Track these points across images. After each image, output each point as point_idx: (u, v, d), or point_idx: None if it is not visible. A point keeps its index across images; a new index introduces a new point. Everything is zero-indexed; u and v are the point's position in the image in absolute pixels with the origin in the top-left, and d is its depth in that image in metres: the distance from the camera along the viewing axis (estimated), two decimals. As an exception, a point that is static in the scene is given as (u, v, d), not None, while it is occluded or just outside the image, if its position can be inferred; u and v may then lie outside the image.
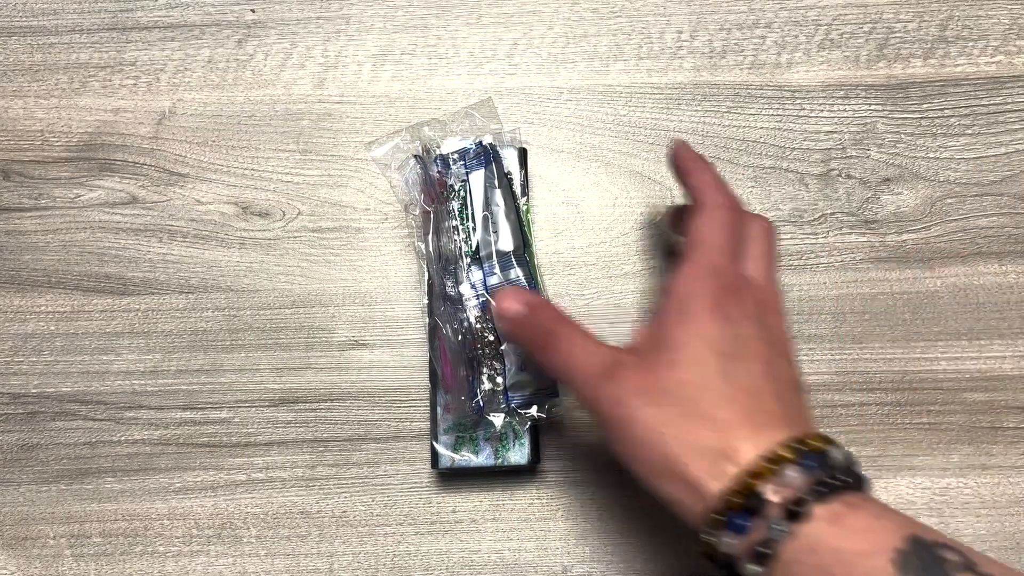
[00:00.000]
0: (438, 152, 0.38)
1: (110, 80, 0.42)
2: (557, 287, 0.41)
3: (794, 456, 0.26)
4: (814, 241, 0.41)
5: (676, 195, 0.42)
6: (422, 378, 0.40)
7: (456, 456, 0.37)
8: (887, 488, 0.40)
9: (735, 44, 0.43)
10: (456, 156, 0.38)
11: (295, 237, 0.41)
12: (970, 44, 0.43)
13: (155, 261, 0.41)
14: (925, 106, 0.42)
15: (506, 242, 0.36)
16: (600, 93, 0.42)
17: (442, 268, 0.36)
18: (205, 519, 0.40)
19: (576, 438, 0.40)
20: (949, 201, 0.42)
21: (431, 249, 0.36)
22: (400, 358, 0.40)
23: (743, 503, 0.26)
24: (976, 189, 0.42)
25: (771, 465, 0.26)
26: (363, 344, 0.41)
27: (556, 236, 0.41)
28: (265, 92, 0.42)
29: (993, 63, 0.43)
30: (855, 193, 0.42)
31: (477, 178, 0.37)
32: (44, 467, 0.40)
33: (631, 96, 0.42)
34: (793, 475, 0.25)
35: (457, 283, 0.36)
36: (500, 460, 0.37)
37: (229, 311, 0.41)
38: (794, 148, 0.42)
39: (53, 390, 0.40)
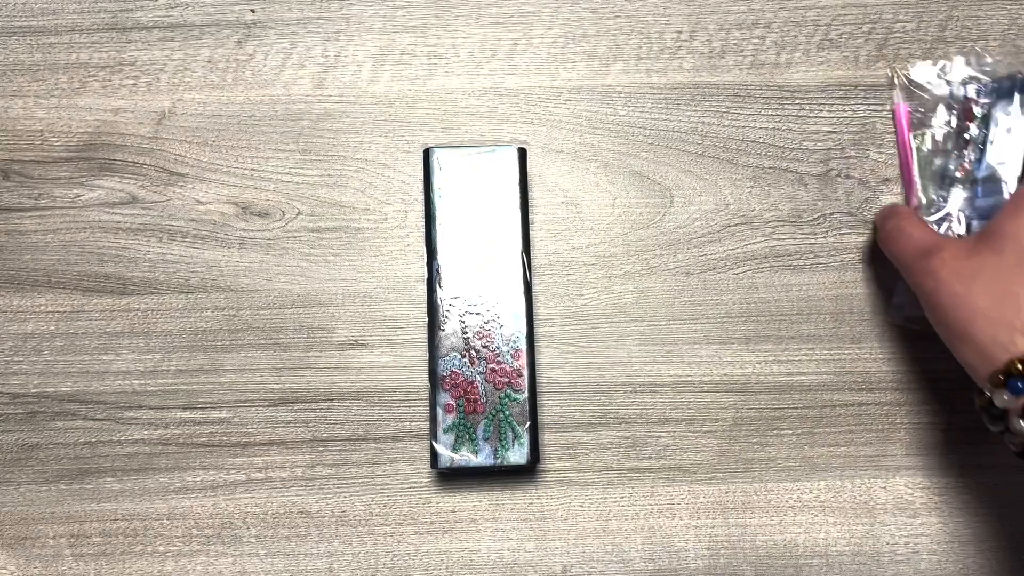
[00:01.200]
0: (975, 77, 0.41)
1: (110, 80, 0.42)
2: (556, 287, 0.41)
3: None
4: (814, 241, 0.41)
5: (677, 195, 0.42)
6: (422, 378, 0.40)
7: (455, 456, 0.37)
8: (887, 488, 0.40)
9: (735, 44, 0.43)
10: (989, 85, 0.41)
11: (295, 237, 0.41)
12: (970, 44, 0.43)
13: (155, 261, 0.41)
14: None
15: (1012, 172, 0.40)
16: (599, 93, 0.42)
17: (938, 177, 0.40)
18: (205, 519, 0.40)
19: (576, 438, 0.40)
20: (949, 201, 0.42)
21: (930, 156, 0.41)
22: (400, 358, 0.40)
23: (1022, 371, 0.30)
24: (976, 189, 0.42)
25: None
26: (363, 344, 0.41)
27: (555, 236, 0.41)
28: (265, 92, 0.42)
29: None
30: (855, 193, 0.42)
31: (1004, 107, 0.40)
32: (44, 467, 0.40)
33: (630, 96, 0.42)
34: None
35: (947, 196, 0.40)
36: (499, 460, 0.37)
37: (229, 311, 0.41)
38: (794, 148, 0.42)
39: (53, 390, 0.40)
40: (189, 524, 0.40)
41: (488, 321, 0.38)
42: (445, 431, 0.37)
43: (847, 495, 0.40)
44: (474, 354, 0.38)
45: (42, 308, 0.41)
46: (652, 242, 0.41)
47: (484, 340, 0.38)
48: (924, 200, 0.40)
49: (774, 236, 0.41)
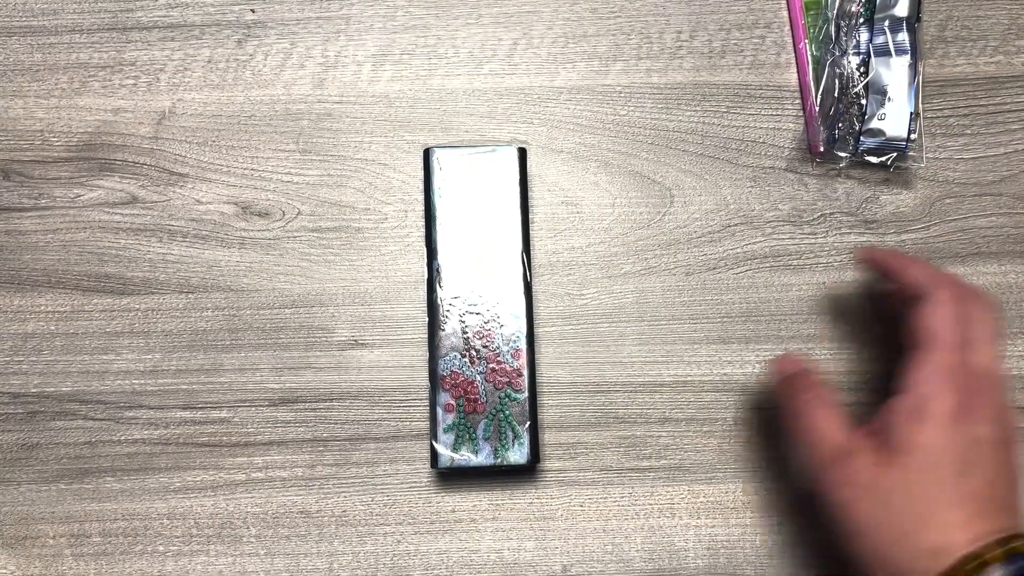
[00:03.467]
0: None
1: (110, 80, 0.42)
2: (556, 287, 0.41)
3: (1002, 557, 0.28)
4: (814, 241, 0.41)
5: (677, 195, 0.42)
6: (422, 378, 0.40)
7: (456, 456, 0.37)
8: (886, 488, 0.40)
9: (735, 44, 0.43)
10: None
11: (295, 237, 0.41)
12: (969, 44, 0.43)
13: (155, 261, 0.41)
14: (924, 106, 0.42)
15: (902, 8, 0.40)
16: (600, 93, 0.42)
17: (835, 23, 0.40)
18: (205, 519, 0.40)
19: (576, 438, 0.40)
20: (948, 201, 0.42)
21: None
22: (400, 358, 0.40)
23: None
24: (975, 189, 0.42)
25: (978, 565, 0.28)
26: (363, 344, 0.41)
27: (555, 236, 0.41)
28: (265, 92, 0.42)
29: (992, 63, 0.43)
30: (854, 193, 0.42)
31: None
32: (44, 467, 0.40)
33: (631, 96, 0.42)
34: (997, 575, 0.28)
35: (848, 37, 0.40)
36: (499, 460, 0.37)
37: (229, 311, 0.41)
38: (793, 148, 0.42)
39: (53, 390, 0.40)
40: (189, 524, 0.40)
41: (488, 321, 0.38)
42: (445, 431, 0.37)
43: (847, 495, 0.40)
44: (474, 354, 0.38)
45: (42, 308, 0.41)
46: (652, 242, 0.41)
47: (484, 340, 0.38)
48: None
49: (774, 236, 0.41)
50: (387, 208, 0.42)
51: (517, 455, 0.37)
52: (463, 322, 0.38)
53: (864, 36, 0.40)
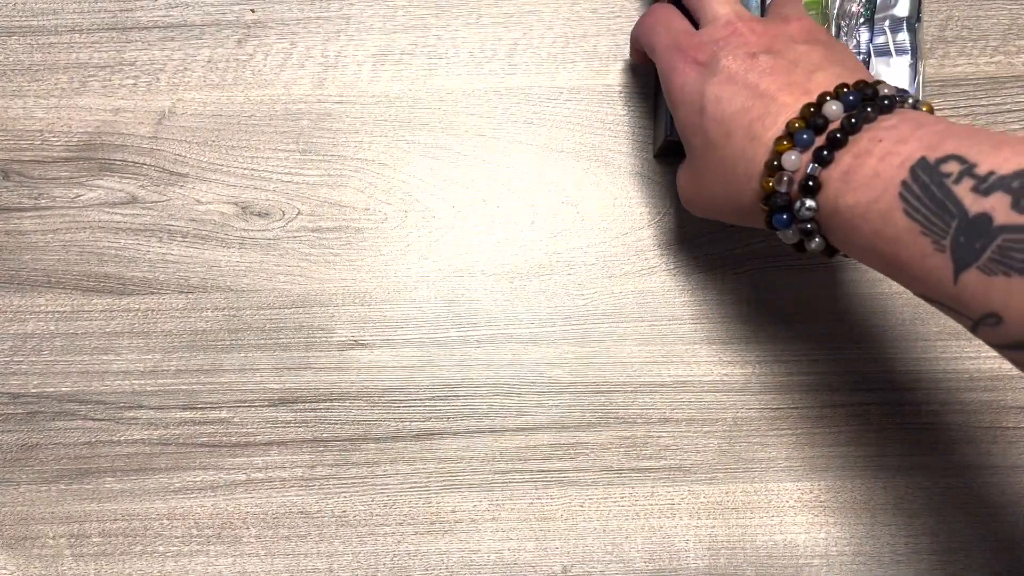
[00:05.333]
0: None
1: (110, 80, 0.42)
2: (556, 287, 0.41)
3: (835, 94, 0.28)
4: (814, 241, 0.41)
5: (676, 198, 0.42)
6: (422, 378, 0.40)
7: None
8: (886, 488, 0.40)
9: (735, 44, 0.43)
10: None
11: (295, 237, 0.41)
12: (970, 44, 0.43)
13: (154, 261, 0.41)
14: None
15: (903, 8, 0.40)
16: (600, 93, 0.42)
17: (836, 23, 0.40)
18: (205, 519, 0.40)
19: (576, 438, 0.40)
20: (949, 201, 0.42)
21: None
22: (400, 358, 0.40)
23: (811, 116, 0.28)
24: (976, 189, 0.42)
25: (806, 114, 0.28)
26: (363, 344, 0.41)
27: (556, 236, 0.41)
28: (265, 92, 0.42)
29: (993, 63, 0.43)
30: (855, 193, 0.42)
31: None
32: (44, 467, 0.40)
33: (631, 96, 0.42)
34: (832, 108, 0.27)
35: (848, 38, 0.40)
36: None
37: (229, 311, 0.41)
38: (794, 148, 0.42)
39: (53, 390, 0.40)
40: (189, 524, 0.40)
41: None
42: None
43: (847, 495, 0.40)
44: None
45: (42, 308, 0.41)
46: (652, 242, 0.41)
47: None
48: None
49: (774, 236, 0.41)
50: (387, 208, 0.42)
51: None
52: None
53: (864, 36, 0.40)
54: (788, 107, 0.29)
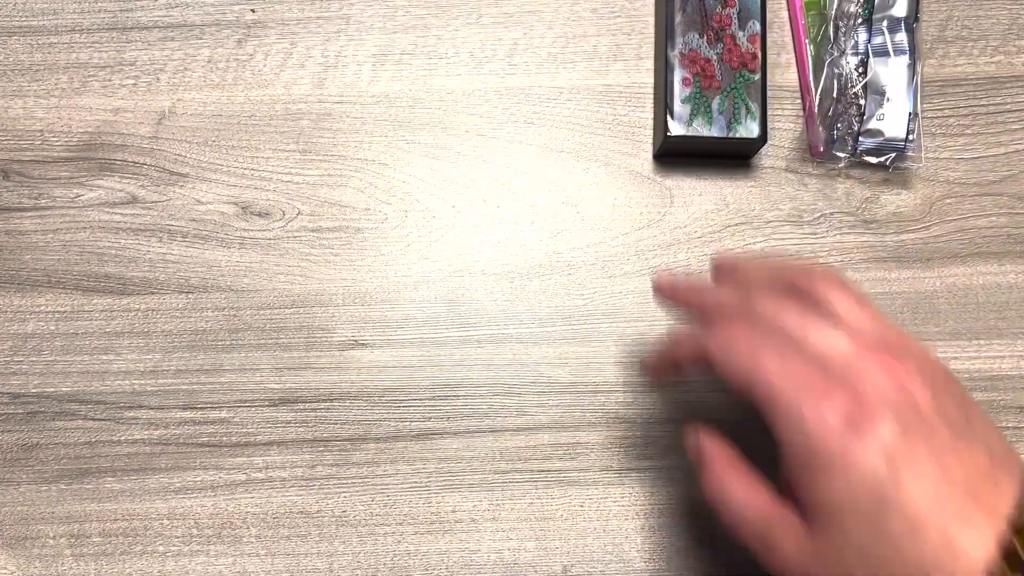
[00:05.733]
0: None
1: (110, 80, 0.42)
2: (556, 287, 0.41)
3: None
4: (814, 241, 0.41)
5: (677, 195, 0.42)
6: (422, 378, 0.40)
7: (688, 129, 0.39)
8: (887, 488, 0.40)
9: (735, 44, 0.43)
10: None
11: (295, 237, 0.41)
12: (970, 44, 0.43)
13: (155, 261, 0.41)
14: (924, 106, 0.42)
15: (900, 8, 0.41)
16: (600, 93, 0.42)
17: (834, 23, 0.41)
18: (205, 519, 0.40)
19: (576, 438, 0.40)
20: (948, 201, 0.42)
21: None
22: (400, 358, 0.40)
23: None
24: (975, 189, 0.42)
25: None
26: (363, 344, 0.41)
27: (556, 236, 0.41)
28: (265, 92, 0.42)
29: (993, 63, 0.43)
30: (855, 193, 0.42)
31: None
32: (44, 467, 0.40)
33: (631, 96, 0.42)
34: None
35: (846, 38, 0.41)
36: (732, 132, 0.39)
37: (229, 311, 0.41)
38: (793, 148, 0.42)
39: (53, 390, 0.40)
40: (189, 524, 0.40)
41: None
42: (683, 101, 0.39)
43: (847, 495, 0.40)
44: (712, 35, 0.39)
45: (42, 308, 0.41)
46: (652, 242, 0.41)
47: (722, 23, 0.40)
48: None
49: (774, 236, 0.41)
50: (387, 208, 0.42)
51: (749, 129, 0.39)
52: (704, 3, 0.40)
53: (863, 36, 0.40)
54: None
